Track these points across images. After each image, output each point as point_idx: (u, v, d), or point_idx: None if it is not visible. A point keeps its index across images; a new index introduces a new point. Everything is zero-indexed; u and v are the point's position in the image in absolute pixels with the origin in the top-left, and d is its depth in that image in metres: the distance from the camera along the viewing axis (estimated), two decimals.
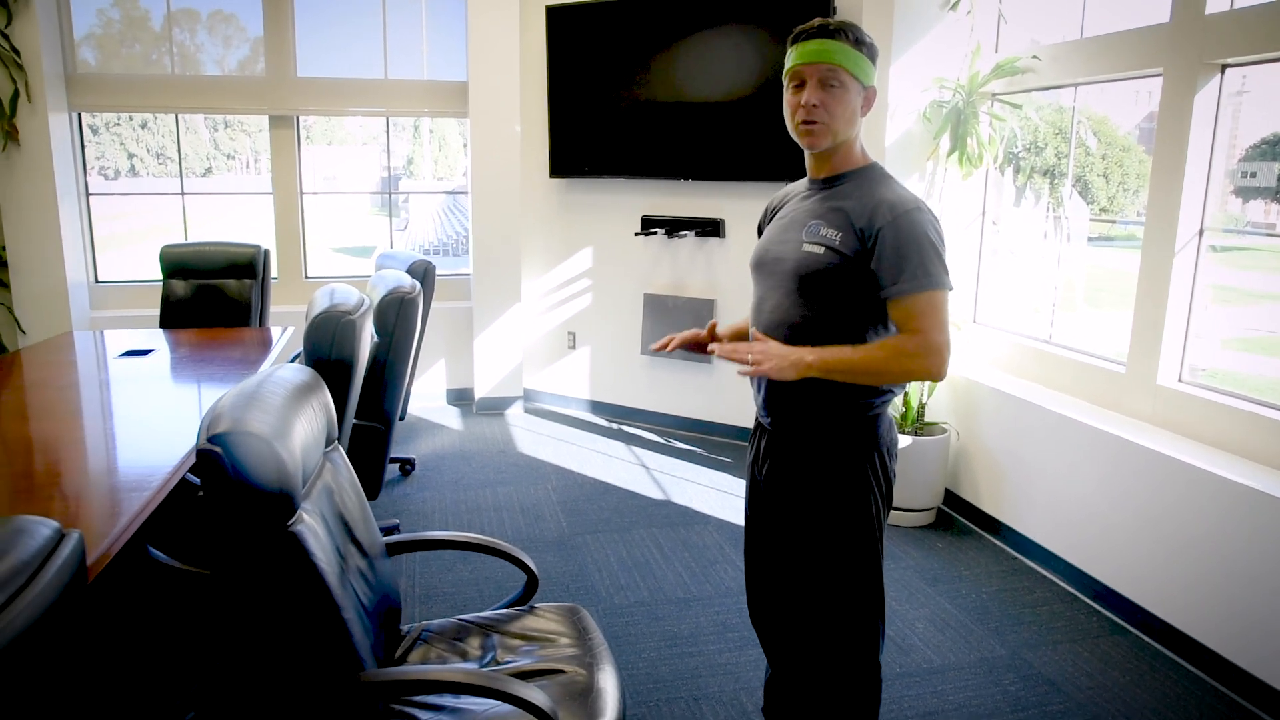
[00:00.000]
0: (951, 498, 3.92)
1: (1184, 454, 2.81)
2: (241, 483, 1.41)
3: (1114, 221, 5.35)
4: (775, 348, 1.72)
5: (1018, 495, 3.53)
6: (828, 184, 1.84)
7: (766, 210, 2.04)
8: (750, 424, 2.07)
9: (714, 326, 2.02)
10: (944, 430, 3.83)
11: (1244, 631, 2.59)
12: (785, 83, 1.83)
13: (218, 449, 1.40)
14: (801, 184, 1.94)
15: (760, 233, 2.04)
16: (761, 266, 1.91)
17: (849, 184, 1.82)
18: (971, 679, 2.66)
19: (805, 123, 1.78)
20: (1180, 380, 3.07)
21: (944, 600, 3.14)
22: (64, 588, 0.98)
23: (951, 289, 1.73)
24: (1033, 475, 3.44)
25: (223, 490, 1.41)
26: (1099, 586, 3.10)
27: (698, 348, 2.01)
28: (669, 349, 1.99)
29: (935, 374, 1.73)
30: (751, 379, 1.92)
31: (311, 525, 1.55)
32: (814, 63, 1.76)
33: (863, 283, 1.75)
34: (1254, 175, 4.53)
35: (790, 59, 1.81)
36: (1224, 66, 2.89)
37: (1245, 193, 4.53)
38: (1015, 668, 2.72)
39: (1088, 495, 3.16)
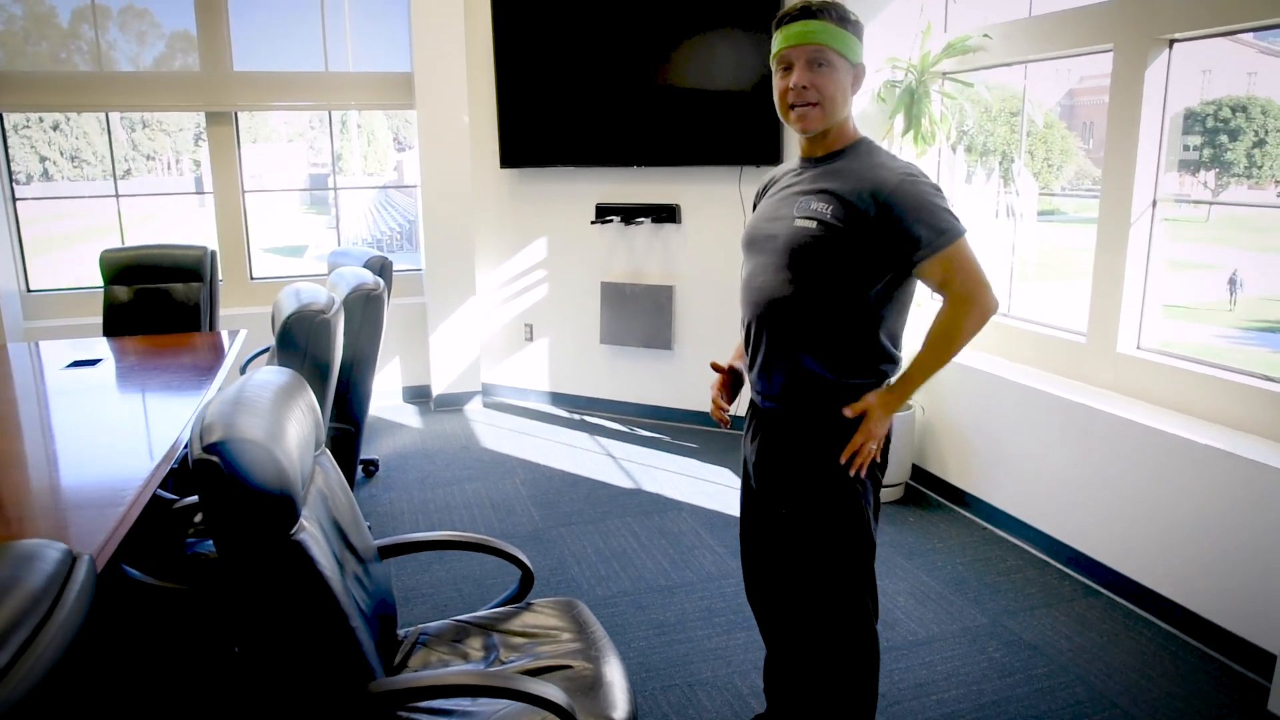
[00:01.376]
0: (919, 473, 3.99)
1: (1145, 418, 2.90)
2: (243, 492, 1.35)
3: (1052, 194, 5.49)
4: (871, 423, 1.80)
5: (985, 467, 3.60)
6: (821, 162, 1.84)
7: (758, 191, 2.04)
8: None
9: (718, 369, 2.08)
10: (909, 407, 3.89)
11: (1209, 584, 2.68)
12: (773, 68, 1.82)
13: (215, 458, 1.34)
14: (793, 163, 1.94)
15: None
16: (753, 244, 1.91)
17: (842, 160, 1.82)
18: (957, 648, 2.71)
19: (797, 106, 1.77)
20: (1139, 348, 3.15)
21: (922, 573, 3.19)
22: (86, 615, 0.92)
23: (966, 231, 1.76)
24: (999, 446, 3.52)
25: (223, 501, 1.35)
26: (1069, 551, 3.19)
27: (732, 387, 2.07)
28: (727, 410, 2.05)
29: (986, 315, 1.78)
30: (749, 355, 1.93)
31: (313, 533, 1.50)
32: (800, 44, 1.75)
33: (854, 253, 1.75)
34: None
35: (776, 43, 1.79)
36: (1172, 41, 2.97)
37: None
38: (997, 634, 2.78)
39: (1054, 463, 3.24)
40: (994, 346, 3.74)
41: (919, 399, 3.90)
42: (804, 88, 1.76)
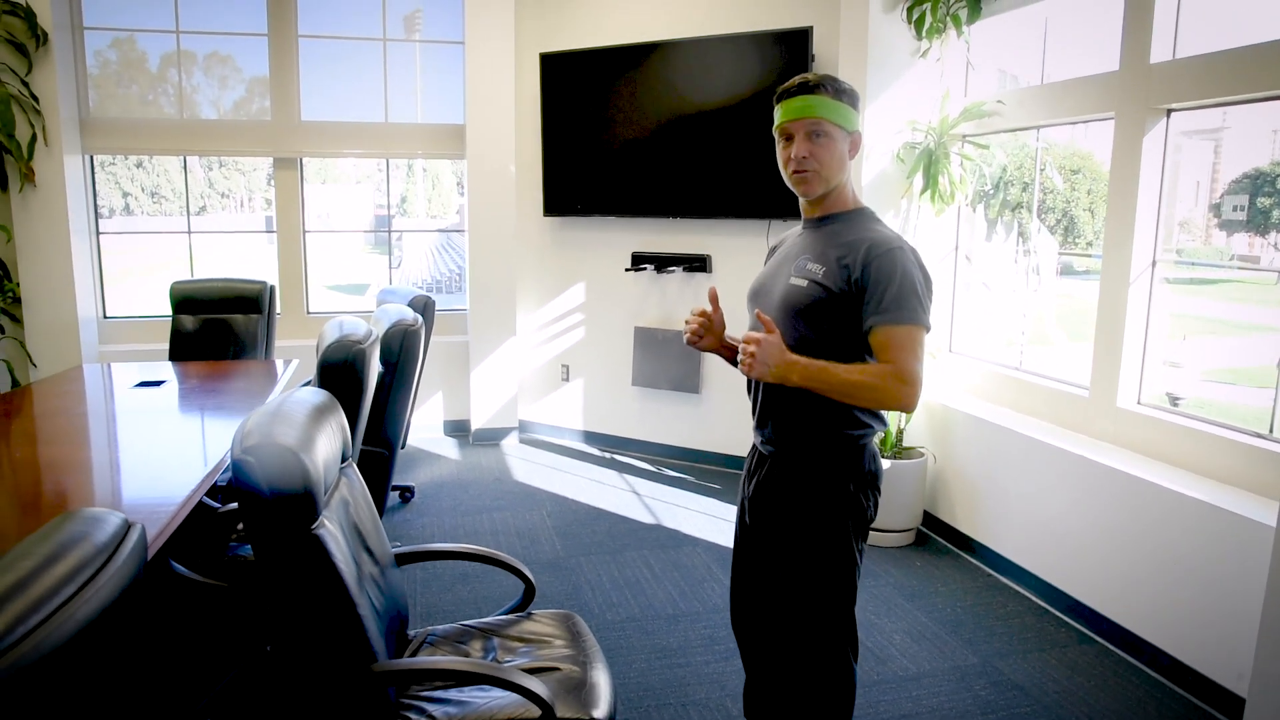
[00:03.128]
0: (929, 519, 4.09)
1: (1142, 471, 3.00)
2: (272, 489, 1.58)
3: (1090, 255, 5.54)
4: (769, 348, 1.76)
5: (992, 515, 3.70)
6: (819, 224, 2.00)
7: (770, 249, 2.22)
8: (737, 451, 2.21)
9: (714, 300, 2.09)
10: (922, 454, 4.01)
11: (1200, 636, 2.75)
12: (776, 138, 1.98)
13: (251, 459, 1.58)
14: (799, 225, 2.10)
15: None
16: (755, 298, 2.08)
17: (838, 224, 1.96)
18: (944, 685, 2.81)
19: (798, 172, 1.92)
20: (1139, 403, 3.26)
21: (920, 614, 3.29)
22: (137, 570, 1.14)
23: (929, 328, 1.84)
24: (1005, 495, 3.62)
25: (255, 496, 1.58)
26: (1068, 599, 3.27)
27: (712, 340, 2.09)
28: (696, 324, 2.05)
29: (906, 404, 1.81)
30: (750, 397, 2.08)
31: (332, 531, 1.72)
32: (799, 119, 1.91)
33: (846, 316, 1.88)
34: (1242, 209, 4.58)
35: (777, 117, 1.95)
36: (1169, 111, 3.12)
37: (1229, 226, 4.62)
38: (986, 674, 2.88)
39: (1056, 513, 3.33)
40: (1003, 399, 3.86)
41: (930, 447, 4.02)
42: (804, 157, 1.91)
